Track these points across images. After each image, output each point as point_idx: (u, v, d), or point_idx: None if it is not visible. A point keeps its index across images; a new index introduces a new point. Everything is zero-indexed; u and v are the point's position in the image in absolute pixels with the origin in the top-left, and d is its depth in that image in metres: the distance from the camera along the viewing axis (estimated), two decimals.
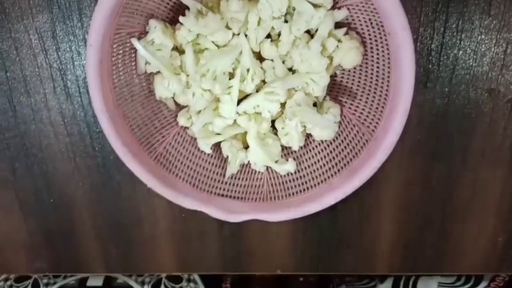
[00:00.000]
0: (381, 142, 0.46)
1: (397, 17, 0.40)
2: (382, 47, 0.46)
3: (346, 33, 0.50)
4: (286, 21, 0.51)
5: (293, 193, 0.55)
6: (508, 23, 0.52)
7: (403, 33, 0.40)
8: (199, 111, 0.54)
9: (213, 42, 0.52)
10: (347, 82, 0.54)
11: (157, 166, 0.53)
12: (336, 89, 0.55)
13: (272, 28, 0.51)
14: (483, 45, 0.54)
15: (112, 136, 0.48)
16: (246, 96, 0.54)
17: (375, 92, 0.50)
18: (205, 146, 0.55)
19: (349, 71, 0.53)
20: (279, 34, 0.51)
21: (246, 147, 0.57)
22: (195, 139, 0.57)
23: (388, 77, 0.46)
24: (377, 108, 0.49)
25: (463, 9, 0.52)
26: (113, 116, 0.48)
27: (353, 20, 0.49)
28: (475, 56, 0.55)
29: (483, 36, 0.53)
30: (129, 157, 0.49)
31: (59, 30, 0.56)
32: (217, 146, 0.57)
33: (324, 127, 0.53)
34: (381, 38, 0.46)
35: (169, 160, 0.55)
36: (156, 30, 0.48)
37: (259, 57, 0.53)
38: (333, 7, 0.49)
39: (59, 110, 0.59)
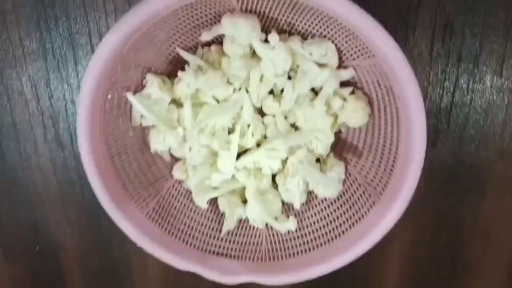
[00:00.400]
0: (389, 207, 0.43)
1: (409, 85, 0.37)
2: (391, 109, 0.44)
3: (352, 92, 0.48)
4: (289, 77, 0.49)
5: (294, 254, 0.52)
6: None
7: (414, 100, 0.38)
8: (196, 165, 0.52)
9: (213, 96, 0.50)
10: (352, 140, 0.51)
11: (148, 222, 0.50)
12: (340, 146, 0.53)
13: (275, 84, 0.49)
14: (495, 106, 0.52)
15: (100, 193, 0.45)
16: (246, 150, 0.52)
17: (382, 153, 0.47)
18: (201, 201, 0.52)
19: (354, 129, 0.51)
20: (282, 90, 0.49)
21: (245, 201, 0.54)
22: (191, 192, 0.54)
23: (397, 140, 0.44)
24: (384, 170, 0.46)
25: (474, 69, 0.50)
26: (103, 172, 0.45)
27: (360, 80, 0.47)
28: (486, 116, 0.52)
29: (494, 97, 0.51)
30: (118, 215, 0.46)
31: (53, 78, 0.54)
32: (213, 200, 0.54)
33: (327, 185, 0.50)
34: (389, 100, 0.44)
35: (162, 215, 0.51)
36: (153, 85, 0.46)
37: (261, 112, 0.51)
38: (339, 66, 0.47)
39: (49, 157, 0.57)
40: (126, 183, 0.49)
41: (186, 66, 0.48)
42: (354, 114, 0.47)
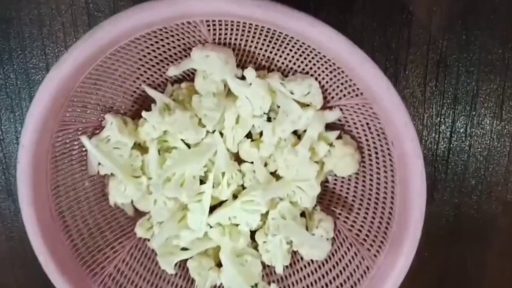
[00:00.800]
0: (387, 274, 0.37)
1: (404, 126, 0.32)
2: (384, 156, 0.38)
3: (340, 137, 0.42)
4: (269, 119, 0.44)
5: None
6: None
7: (411, 145, 0.33)
8: (162, 221, 0.45)
9: (182, 140, 0.44)
10: (341, 191, 0.45)
11: None
12: (328, 197, 0.46)
13: (253, 126, 0.43)
14: (496, 153, 0.47)
15: (43, 258, 0.38)
16: (221, 203, 0.45)
17: (375, 208, 0.41)
18: (168, 265, 0.45)
19: (343, 178, 0.45)
20: (261, 133, 0.44)
21: (219, 264, 0.46)
22: (157, 253, 0.46)
23: (392, 192, 0.38)
24: (379, 227, 0.40)
25: (471, 112, 0.46)
26: (47, 231, 0.38)
27: (347, 122, 0.42)
28: (487, 164, 0.47)
29: (495, 143, 0.46)
30: (64, 286, 0.38)
31: (4, 119, 0.48)
32: (183, 263, 0.47)
33: (314, 245, 0.43)
34: (381, 145, 0.38)
35: (120, 283, 0.43)
36: (112, 127, 0.40)
37: (237, 159, 0.45)
38: (323, 107, 0.42)
39: None
40: (77, 245, 0.41)
41: (152, 106, 0.42)
42: (342, 161, 0.41)
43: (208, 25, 0.36)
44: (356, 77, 0.33)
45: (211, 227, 0.44)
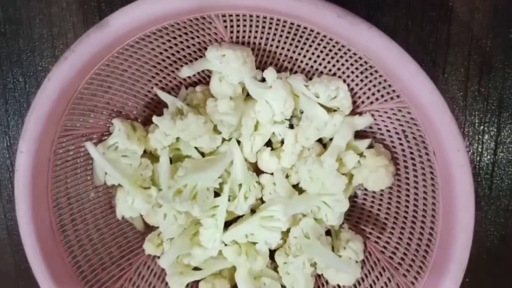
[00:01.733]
0: None
1: (449, 133, 0.28)
2: (423, 168, 0.34)
3: (371, 146, 0.38)
4: (291, 126, 0.40)
5: None
6: None
7: (457, 155, 0.28)
8: (172, 237, 0.41)
9: (196, 148, 0.40)
10: (372, 207, 0.40)
11: None
12: (357, 214, 0.42)
13: (273, 134, 0.39)
14: None
15: (42, 277, 0.34)
16: (237, 218, 0.41)
17: (413, 227, 0.36)
18: (178, 286, 0.41)
19: (374, 193, 0.40)
20: (282, 142, 0.40)
21: (234, 286, 0.42)
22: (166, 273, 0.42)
23: (433, 209, 0.33)
24: (417, 250, 0.35)
25: None
26: (47, 248, 0.35)
27: (380, 129, 0.37)
28: None
29: None
30: None
31: (12, 124, 0.45)
32: (195, 284, 0.42)
33: (340, 268, 0.38)
34: (420, 156, 0.33)
35: None
36: (120, 133, 0.37)
37: (256, 169, 0.41)
38: (353, 112, 0.37)
39: None
40: (79, 262, 0.38)
41: (164, 110, 0.39)
42: (374, 174, 0.37)
43: (225, 21, 0.32)
44: (393, 77, 0.29)
45: (226, 245, 0.40)
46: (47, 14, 0.43)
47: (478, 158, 0.42)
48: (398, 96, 0.31)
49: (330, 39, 0.31)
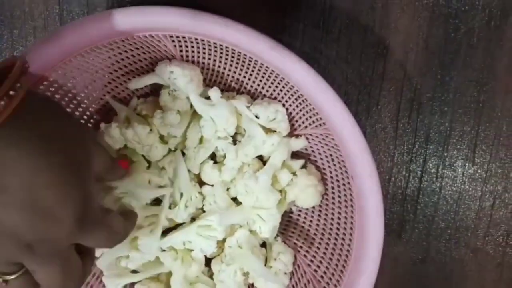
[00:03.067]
0: None
1: (362, 159, 0.31)
2: (345, 189, 0.37)
3: (304, 166, 0.41)
4: (235, 142, 0.42)
5: None
6: (495, 174, 0.45)
7: (369, 180, 0.31)
8: None
9: (143, 156, 0.42)
10: (303, 223, 0.43)
11: None
12: (291, 228, 0.44)
13: (217, 148, 0.42)
14: (467, 197, 0.45)
15: None
16: (178, 226, 0.43)
17: (335, 244, 0.39)
18: (114, 286, 0.42)
19: (307, 209, 0.43)
20: (224, 156, 0.42)
21: None
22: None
23: (351, 228, 0.36)
24: (336, 265, 0.38)
25: (443, 153, 0.44)
26: None
27: (313, 152, 0.40)
28: (457, 208, 0.46)
29: (466, 186, 0.45)
30: None
31: None
32: (131, 286, 0.44)
33: (270, 279, 0.41)
34: (343, 178, 0.37)
35: None
36: None
37: (199, 181, 0.43)
38: (290, 134, 0.40)
39: None
40: None
41: (114, 118, 0.41)
42: (305, 192, 0.40)
43: (173, 41, 0.35)
44: (317, 106, 0.32)
45: (163, 250, 0.42)
46: (9, 17, 0.44)
47: (405, 185, 0.46)
48: (324, 124, 0.34)
49: (267, 67, 0.34)
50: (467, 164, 0.45)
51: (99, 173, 0.32)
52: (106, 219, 0.30)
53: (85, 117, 0.42)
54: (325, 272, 0.39)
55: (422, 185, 0.45)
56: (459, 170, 0.45)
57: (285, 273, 0.42)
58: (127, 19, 0.30)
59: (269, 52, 0.30)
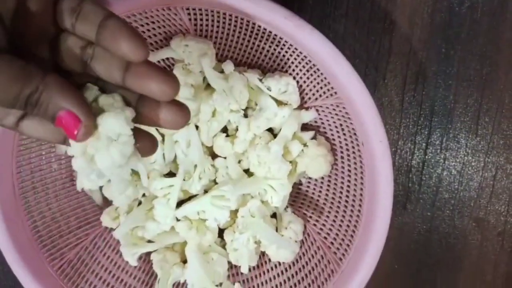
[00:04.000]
0: (349, 278, 0.36)
1: (373, 125, 0.32)
2: (355, 157, 0.38)
3: (314, 138, 0.42)
4: (246, 115, 0.44)
5: None
6: (497, 145, 0.46)
7: (379, 146, 0.33)
8: (130, 210, 0.44)
9: (157, 129, 0.43)
10: (313, 194, 0.45)
11: (58, 279, 0.40)
12: (300, 199, 0.46)
13: (229, 121, 0.43)
14: (470, 168, 0.47)
15: (1, 235, 0.36)
16: (191, 197, 0.45)
17: (345, 211, 0.40)
18: (131, 256, 0.44)
19: (316, 180, 0.44)
20: (236, 129, 0.43)
21: (185, 261, 0.45)
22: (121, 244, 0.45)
23: (361, 194, 0.38)
24: (346, 231, 0.40)
25: (448, 125, 0.46)
26: (8, 210, 0.37)
27: (323, 123, 0.42)
28: (461, 179, 0.47)
29: (469, 158, 0.47)
30: (20, 267, 0.37)
31: None
32: (147, 257, 0.46)
33: (282, 247, 0.42)
34: (353, 147, 0.38)
35: (80, 272, 0.42)
36: None
37: (212, 153, 0.45)
38: (300, 107, 0.42)
39: None
40: (38, 227, 0.40)
41: None
42: (315, 162, 0.41)
43: (189, 14, 0.36)
44: (330, 75, 0.34)
45: (178, 220, 0.44)
46: None
47: (410, 157, 0.47)
48: (336, 93, 0.36)
49: (281, 38, 0.35)
50: (470, 136, 0.46)
51: None
52: None
53: None
54: (335, 239, 0.41)
55: (426, 157, 0.47)
56: (463, 141, 0.46)
57: (296, 241, 0.43)
58: None
59: (284, 22, 0.31)
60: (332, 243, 0.41)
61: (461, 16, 0.44)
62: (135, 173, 0.43)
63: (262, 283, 0.45)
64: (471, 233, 0.48)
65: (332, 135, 0.41)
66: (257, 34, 0.37)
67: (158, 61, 0.42)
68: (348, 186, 0.40)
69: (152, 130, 0.43)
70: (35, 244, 0.39)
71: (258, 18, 0.32)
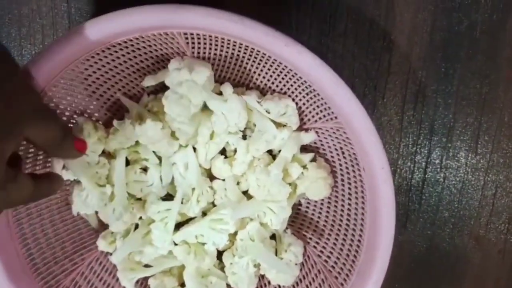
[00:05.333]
0: None
1: (375, 152, 0.32)
2: (356, 181, 0.38)
3: (314, 160, 0.42)
4: (245, 137, 0.43)
5: None
6: (497, 164, 0.46)
7: (381, 172, 0.32)
8: (126, 234, 0.43)
9: (154, 152, 0.42)
10: (313, 215, 0.44)
11: None
12: (300, 221, 0.45)
13: (228, 143, 0.42)
14: (470, 186, 0.47)
15: None
16: (189, 220, 0.44)
17: (345, 234, 0.40)
18: (128, 281, 0.43)
19: (315, 202, 0.44)
20: (235, 151, 0.43)
21: (183, 284, 0.44)
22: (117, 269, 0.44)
23: (362, 219, 0.37)
24: (348, 255, 0.39)
25: (447, 144, 0.46)
26: (1, 239, 0.36)
27: (322, 145, 0.41)
28: (461, 198, 0.47)
29: (469, 176, 0.46)
30: None
31: None
32: (144, 280, 0.45)
33: (282, 270, 0.42)
34: (354, 171, 0.38)
35: None
36: (82, 130, 0.39)
37: (210, 175, 0.44)
38: (300, 128, 0.41)
39: None
40: (33, 255, 0.39)
41: (125, 115, 0.41)
42: (315, 184, 0.40)
43: (186, 38, 0.35)
44: (330, 100, 0.33)
45: (176, 244, 0.43)
46: (17, 14, 0.44)
47: (410, 176, 0.47)
48: (336, 117, 0.35)
49: (280, 63, 0.35)
50: (470, 154, 0.46)
51: (41, 144, 0.30)
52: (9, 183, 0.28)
53: (96, 114, 0.42)
54: (336, 263, 0.40)
55: (426, 176, 0.47)
56: (463, 160, 0.46)
57: (296, 264, 0.43)
58: (144, 17, 0.30)
59: (284, 49, 0.30)
60: (333, 267, 0.40)
61: (460, 35, 0.43)
62: (131, 196, 0.43)
63: None
64: (472, 251, 0.48)
65: (332, 157, 0.40)
66: (255, 57, 0.37)
67: (155, 84, 0.41)
68: (349, 209, 0.40)
69: (149, 153, 0.42)
70: (29, 273, 0.38)
71: (258, 44, 0.32)
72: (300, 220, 0.45)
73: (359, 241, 0.38)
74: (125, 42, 0.34)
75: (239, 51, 0.36)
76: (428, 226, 0.48)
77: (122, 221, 0.40)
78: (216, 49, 0.37)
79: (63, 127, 0.32)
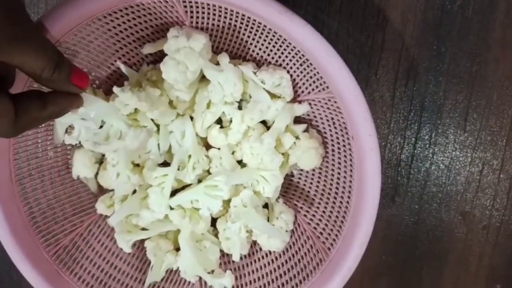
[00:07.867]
0: (336, 267, 0.37)
1: (362, 120, 0.33)
2: (345, 151, 0.39)
3: (306, 130, 0.43)
4: (240, 107, 0.44)
5: None
6: (485, 141, 0.47)
7: (368, 139, 0.34)
8: (124, 198, 0.45)
9: (152, 120, 0.44)
10: (304, 185, 0.46)
11: (53, 264, 0.41)
12: (292, 191, 0.47)
13: (223, 113, 0.44)
14: (458, 162, 0.48)
15: None
16: (185, 187, 0.46)
17: (334, 202, 0.42)
18: (125, 243, 0.45)
19: (307, 172, 0.45)
20: (230, 121, 0.44)
21: (178, 249, 0.46)
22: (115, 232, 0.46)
23: (350, 187, 0.39)
24: (335, 221, 0.41)
25: (437, 120, 0.47)
26: (4, 195, 0.38)
27: (315, 117, 0.42)
28: (448, 174, 0.48)
29: (457, 153, 0.48)
30: (14, 249, 0.38)
31: None
32: (141, 244, 0.47)
33: (273, 236, 0.44)
34: (343, 140, 0.39)
35: (75, 257, 0.43)
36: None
37: (206, 144, 0.45)
38: (293, 100, 0.42)
39: None
40: (34, 213, 0.41)
41: (125, 82, 0.42)
42: (306, 154, 0.42)
43: (185, 6, 0.36)
44: (322, 70, 0.34)
45: (172, 209, 0.44)
46: None
47: (399, 151, 0.48)
48: (327, 87, 0.37)
49: (275, 32, 0.36)
50: (458, 131, 0.47)
51: (29, 73, 0.27)
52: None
53: (97, 82, 0.43)
54: (324, 229, 0.42)
55: (415, 151, 0.48)
56: (451, 137, 0.47)
57: (286, 231, 0.45)
58: None
59: (279, 16, 0.32)
60: (321, 233, 0.42)
61: (452, 14, 0.45)
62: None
63: (252, 271, 0.46)
64: (457, 226, 0.50)
65: (324, 128, 0.42)
66: (252, 28, 0.38)
67: (155, 52, 0.42)
68: (338, 178, 0.41)
69: (147, 120, 0.43)
70: (30, 229, 0.40)
71: (253, 12, 0.33)
72: (292, 190, 0.47)
73: (346, 207, 0.39)
74: (126, 8, 0.36)
75: (236, 20, 0.38)
76: (416, 201, 0.49)
77: (131, 183, 0.42)
78: (214, 19, 0.38)
79: (54, 55, 0.28)
